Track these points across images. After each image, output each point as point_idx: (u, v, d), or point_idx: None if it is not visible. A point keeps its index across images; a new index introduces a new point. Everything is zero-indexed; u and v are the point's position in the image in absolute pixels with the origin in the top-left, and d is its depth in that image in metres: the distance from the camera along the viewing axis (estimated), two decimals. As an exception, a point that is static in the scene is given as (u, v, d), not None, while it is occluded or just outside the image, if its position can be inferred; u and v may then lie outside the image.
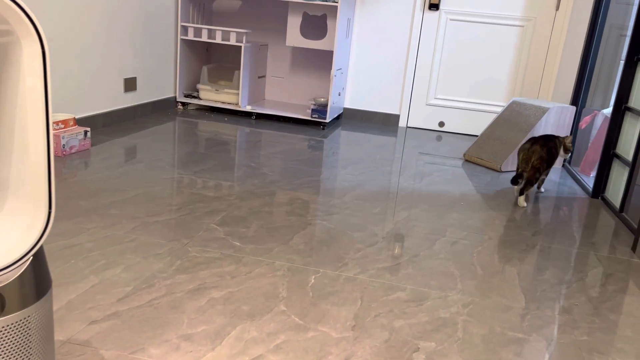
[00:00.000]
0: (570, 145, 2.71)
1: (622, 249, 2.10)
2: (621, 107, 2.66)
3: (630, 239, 2.22)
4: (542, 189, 2.81)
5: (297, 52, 4.25)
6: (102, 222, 1.86)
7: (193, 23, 4.00)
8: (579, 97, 3.43)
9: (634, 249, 2.08)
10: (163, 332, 1.27)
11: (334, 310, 1.44)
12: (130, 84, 3.42)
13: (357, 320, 1.40)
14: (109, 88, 3.23)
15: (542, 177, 2.74)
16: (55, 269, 1.52)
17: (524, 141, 3.09)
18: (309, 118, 3.84)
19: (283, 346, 1.26)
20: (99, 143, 2.87)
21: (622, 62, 2.98)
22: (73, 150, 2.64)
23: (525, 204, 2.54)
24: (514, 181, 2.55)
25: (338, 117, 4.32)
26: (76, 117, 2.97)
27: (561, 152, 2.70)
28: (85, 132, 2.70)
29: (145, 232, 1.82)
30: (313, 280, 1.60)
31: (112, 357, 1.17)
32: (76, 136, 2.64)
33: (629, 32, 2.91)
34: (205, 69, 4.01)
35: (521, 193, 2.54)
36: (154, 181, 2.35)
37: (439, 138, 3.95)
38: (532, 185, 2.56)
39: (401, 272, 1.71)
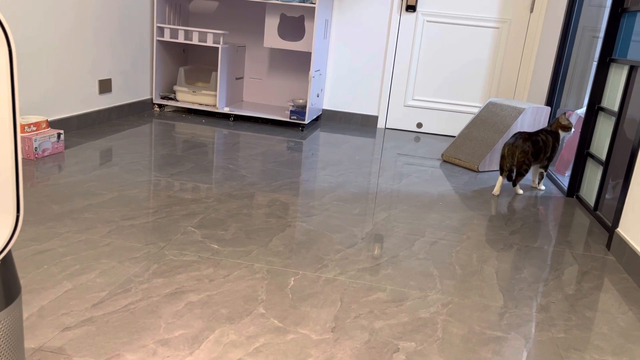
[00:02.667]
0: (567, 122, 2.78)
1: (596, 247, 2.13)
2: (594, 108, 2.71)
3: (604, 237, 2.25)
4: (542, 186, 2.92)
5: (275, 53, 4.24)
6: (75, 227, 1.82)
7: (169, 24, 3.95)
8: (553, 98, 3.48)
9: (608, 246, 2.12)
10: (139, 337, 1.25)
11: (313, 312, 1.43)
12: (105, 86, 3.36)
13: (337, 322, 1.39)
14: (83, 90, 3.17)
15: (541, 170, 2.88)
16: (26, 275, 1.48)
17: (509, 136, 3.18)
18: (288, 119, 3.83)
19: (262, 349, 1.25)
20: (73, 146, 2.81)
21: (594, 64, 3.04)
22: (46, 153, 2.58)
23: (521, 192, 2.80)
24: (509, 178, 2.79)
25: (317, 119, 4.31)
26: (49, 119, 2.90)
27: (561, 133, 2.79)
28: (59, 134, 2.64)
29: (120, 236, 1.78)
30: (292, 282, 1.59)
31: (86, 365, 1.14)
32: (49, 139, 2.58)
33: (601, 34, 2.96)
34: (182, 70, 3.97)
35: (514, 184, 2.78)
36: (130, 184, 2.31)
37: (417, 139, 3.97)
38: (522, 176, 2.76)
39: (381, 273, 1.70)
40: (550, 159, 2.84)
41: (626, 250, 1.95)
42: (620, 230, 2.06)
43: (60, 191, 2.14)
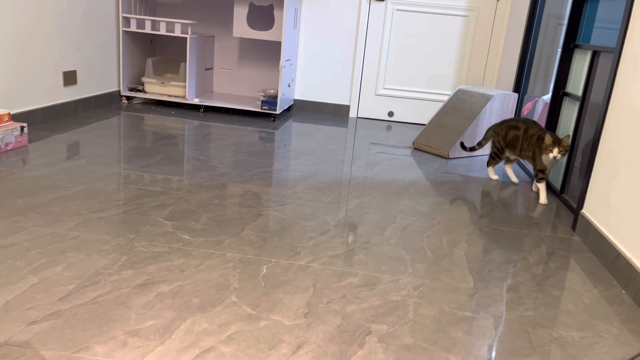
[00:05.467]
0: (550, 140, 2.39)
1: (563, 228, 2.19)
2: (559, 93, 2.77)
3: (570, 219, 2.31)
4: (540, 193, 2.52)
5: (245, 43, 4.20)
6: (41, 220, 1.78)
7: (135, 14, 3.87)
8: (520, 84, 3.54)
9: (573, 227, 2.18)
10: (109, 329, 1.23)
11: (286, 299, 1.43)
12: (70, 78, 3.28)
13: (309, 308, 1.40)
14: (47, 82, 3.08)
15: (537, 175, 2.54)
16: (-10, 270, 1.44)
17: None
18: (259, 110, 3.81)
19: (235, 336, 1.24)
20: (38, 139, 2.74)
21: (559, 50, 3.10)
22: (9, 147, 2.50)
23: (496, 177, 2.84)
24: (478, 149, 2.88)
25: (289, 109, 4.29)
26: (12, 112, 2.82)
27: (555, 152, 2.36)
28: (22, 127, 2.56)
29: (88, 229, 1.74)
30: (265, 270, 1.58)
31: (54, 358, 1.11)
32: (12, 132, 2.51)
33: (565, 21, 3.02)
34: (149, 61, 3.89)
35: (487, 164, 2.85)
36: (98, 177, 2.26)
37: (388, 128, 3.99)
38: (493, 159, 2.82)
39: (353, 259, 1.71)
40: (535, 163, 2.53)
41: (590, 231, 2.00)
42: (585, 211, 2.12)
43: (25, 185, 2.08)
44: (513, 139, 2.68)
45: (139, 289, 1.41)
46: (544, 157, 2.45)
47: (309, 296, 1.46)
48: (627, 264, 1.69)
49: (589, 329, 1.44)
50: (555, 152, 2.37)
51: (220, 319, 1.31)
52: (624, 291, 1.68)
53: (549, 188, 2.72)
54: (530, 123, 2.63)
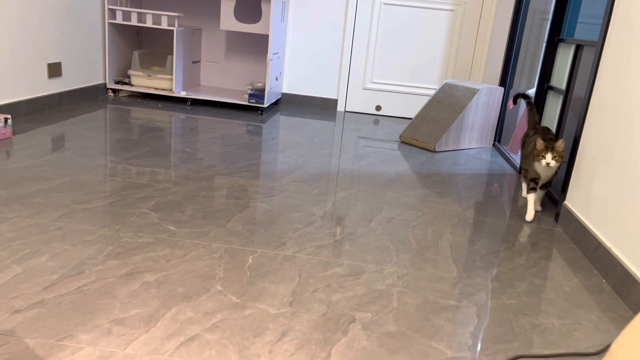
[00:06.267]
0: (541, 146, 2.10)
1: (546, 220, 2.22)
2: (544, 87, 2.80)
3: (553, 211, 2.34)
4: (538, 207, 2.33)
5: (232, 36, 4.18)
6: (25, 211, 1.76)
7: (121, 6, 3.84)
8: (506, 78, 3.57)
9: (556, 219, 2.21)
10: (93, 317, 1.23)
11: (271, 288, 1.44)
12: (54, 70, 3.24)
13: (294, 297, 1.41)
14: (31, 73, 3.05)
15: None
16: (-27, 261, 1.43)
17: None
18: (247, 103, 3.80)
19: (220, 325, 1.25)
20: (22, 132, 2.71)
21: (544, 44, 3.13)
22: (-7, 139, 2.48)
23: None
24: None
25: (276, 102, 4.29)
26: (-5, 104, 2.79)
27: (548, 157, 2.09)
28: (6, 119, 2.54)
29: (73, 220, 1.74)
30: (251, 261, 1.59)
31: (38, 346, 1.11)
32: (-5, 124, 2.48)
33: (550, 16, 3.05)
34: (136, 54, 3.87)
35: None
36: (83, 169, 2.25)
37: (376, 121, 4.01)
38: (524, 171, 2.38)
39: (339, 249, 1.73)
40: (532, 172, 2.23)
41: (572, 222, 2.04)
42: (568, 203, 2.15)
43: (9, 176, 2.07)
44: (525, 147, 2.37)
45: (124, 278, 1.41)
46: (536, 164, 2.16)
47: (294, 285, 1.47)
48: (607, 254, 1.72)
49: (569, 316, 1.46)
50: (548, 158, 2.08)
51: (206, 307, 1.32)
52: (603, 280, 1.71)
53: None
54: (540, 130, 2.31)
